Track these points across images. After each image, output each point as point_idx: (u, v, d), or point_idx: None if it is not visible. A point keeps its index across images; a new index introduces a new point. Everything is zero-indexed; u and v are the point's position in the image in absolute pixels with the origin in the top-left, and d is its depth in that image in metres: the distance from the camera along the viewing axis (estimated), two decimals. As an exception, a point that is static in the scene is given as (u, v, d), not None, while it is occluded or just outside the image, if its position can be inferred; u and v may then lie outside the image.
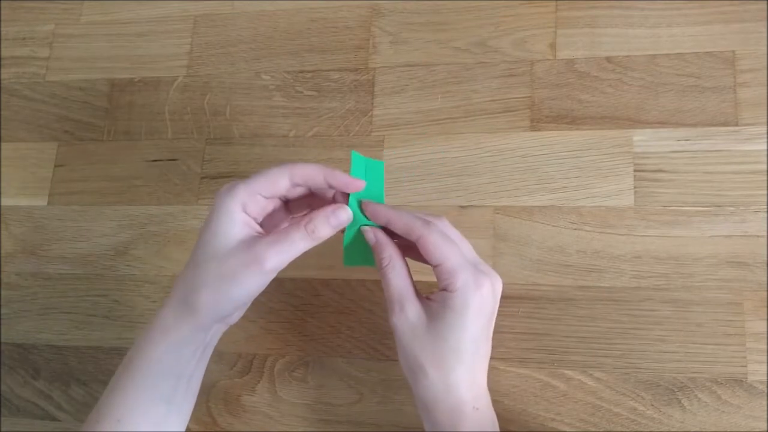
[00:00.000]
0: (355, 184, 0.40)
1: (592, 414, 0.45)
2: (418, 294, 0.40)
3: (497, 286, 0.40)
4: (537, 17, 0.53)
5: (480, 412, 0.39)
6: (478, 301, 0.38)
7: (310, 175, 0.39)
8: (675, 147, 0.48)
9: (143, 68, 0.60)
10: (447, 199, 0.51)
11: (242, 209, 0.38)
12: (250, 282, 0.37)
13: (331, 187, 0.40)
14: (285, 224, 0.43)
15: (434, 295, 0.39)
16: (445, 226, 0.40)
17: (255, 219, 0.39)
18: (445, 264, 0.38)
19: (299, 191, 0.41)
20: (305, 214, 0.39)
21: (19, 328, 0.56)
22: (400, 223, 0.39)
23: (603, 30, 0.51)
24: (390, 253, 0.40)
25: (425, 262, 0.43)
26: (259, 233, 0.39)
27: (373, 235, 0.40)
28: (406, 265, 0.40)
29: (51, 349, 0.55)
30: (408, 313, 0.39)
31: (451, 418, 0.38)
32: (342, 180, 0.39)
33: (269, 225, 0.41)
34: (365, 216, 0.40)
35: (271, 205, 0.40)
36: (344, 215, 0.39)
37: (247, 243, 0.38)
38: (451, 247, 0.38)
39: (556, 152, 0.50)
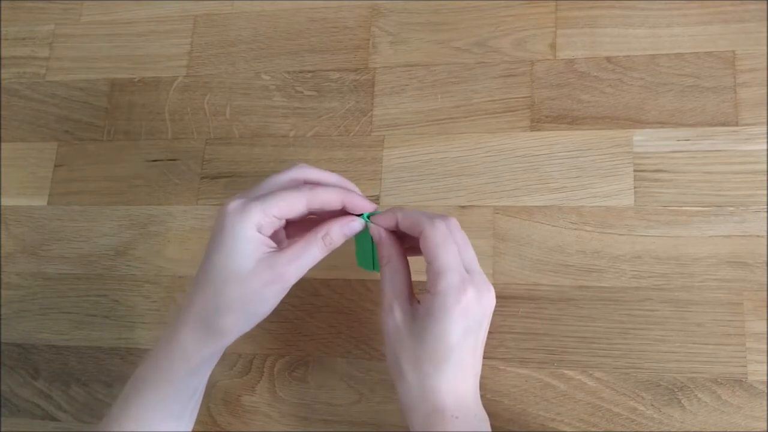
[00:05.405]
0: (370, 207, 0.41)
1: (592, 414, 0.45)
2: (411, 296, 0.40)
3: (486, 300, 0.38)
4: (537, 17, 0.53)
5: (459, 421, 0.37)
6: (459, 309, 0.37)
7: (328, 201, 0.39)
8: (675, 147, 0.48)
9: (143, 68, 0.60)
10: (447, 199, 0.51)
11: (257, 230, 0.38)
12: (275, 299, 0.39)
13: (345, 209, 0.40)
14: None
15: (421, 297, 0.39)
16: (452, 226, 0.39)
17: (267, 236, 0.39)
18: (434, 263, 0.38)
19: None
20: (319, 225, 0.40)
21: (19, 328, 0.56)
22: (408, 220, 0.40)
23: (603, 30, 0.51)
24: (389, 252, 0.40)
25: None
26: (274, 248, 0.39)
27: (377, 232, 0.41)
28: (407, 266, 0.40)
29: (51, 349, 0.55)
30: (395, 313, 0.39)
31: (426, 424, 0.37)
32: (359, 203, 0.40)
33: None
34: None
35: (280, 223, 0.40)
36: (357, 225, 0.40)
37: (266, 262, 0.38)
38: (448, 248, 0.38)
39: (556, 152, 0.50)
